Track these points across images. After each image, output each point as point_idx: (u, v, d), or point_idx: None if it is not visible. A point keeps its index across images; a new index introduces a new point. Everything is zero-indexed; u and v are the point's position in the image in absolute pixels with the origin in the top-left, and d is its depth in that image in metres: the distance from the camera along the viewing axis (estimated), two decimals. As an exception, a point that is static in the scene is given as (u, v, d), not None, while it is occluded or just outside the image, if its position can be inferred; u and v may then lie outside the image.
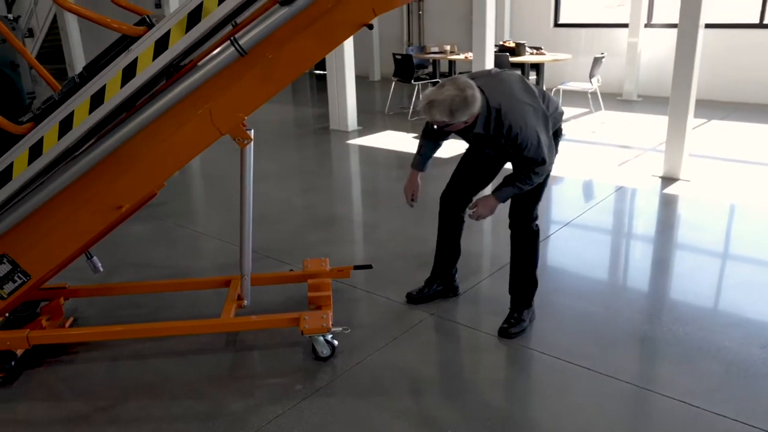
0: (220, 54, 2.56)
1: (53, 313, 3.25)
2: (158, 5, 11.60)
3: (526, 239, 3.22)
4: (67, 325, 3.29)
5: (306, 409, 2.68)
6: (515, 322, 3.24)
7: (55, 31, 15.50)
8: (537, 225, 3.21)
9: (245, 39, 2.51)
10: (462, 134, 3.04)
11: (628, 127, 8.02)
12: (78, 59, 13.78)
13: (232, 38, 2.53)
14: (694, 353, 3.02)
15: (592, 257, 4.25)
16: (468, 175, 3.34)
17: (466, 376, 2.97)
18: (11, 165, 2.62)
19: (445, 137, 3.28)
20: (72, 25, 13.63)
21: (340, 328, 3.05)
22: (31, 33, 16.08)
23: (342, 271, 3.56)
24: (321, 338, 3.00)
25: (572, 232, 4.66)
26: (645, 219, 5.13)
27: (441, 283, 3.60)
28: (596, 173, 6.08)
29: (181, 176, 6.54)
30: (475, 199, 3.16)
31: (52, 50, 15.40)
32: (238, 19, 2.56)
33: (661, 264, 4.16)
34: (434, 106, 2.74)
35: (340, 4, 2.56)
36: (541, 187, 3.10)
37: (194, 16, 2.43)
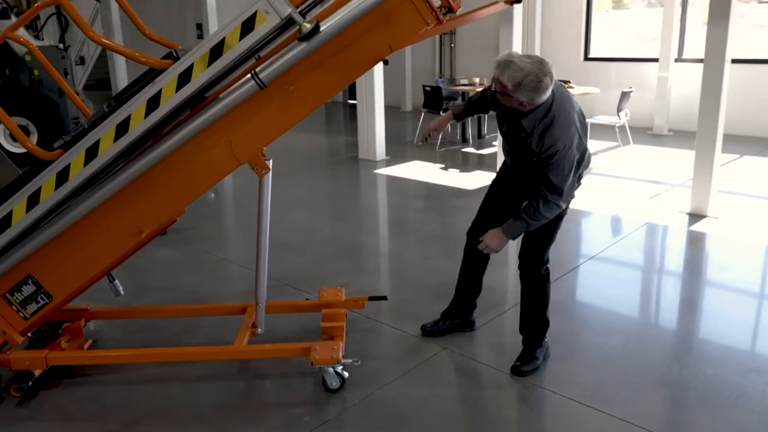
0: (241, 86, 2.63)
1: (74, 335, 3.33)
2: (200, 36, 12.01)
3: (535, 282, 3.18)
4: (85, 347, 3.37)
5: (313, 440, 2.68)
6: (528, 360, 3.20)
7: (104, 60, 16.07)
8: (547, 268, 3.17)
9: (265, 73, 2.59)
10: (505, 116, 2.98)
11: (657, 161, 7.93)
12: (123, 86, 14.23)
13: (252, 72, 2.60)
14: (715, 398, 2.94)
15: (615, 293, 4.18)
16: (494, 211, 3.28)
17: (476, 413, 2.94)
18: (39, 189, 2.72)
19: (494, 109, 3.16)
20: (118, 54, 14.09)
21: (351, 360, 3.05)
22: (82, 61, 16.68)
23: (357, 301, 3.58)
24: (331, 369, 3.00)
25: (597, 266, 4.60)
26: (671, 256, 5.05)
27: (458, 316, 3.58)
28: (623, 208, 6.01)
29: (210, 202, 6.68)
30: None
31: (102, 78, 15.92)
32: (261, 53, 2.66)
33: (687, 303, 4.07)
34: (508, 67, 2.69)
35: (357, 40, 2.62)
36: (553, 230, 3.06)
37: (216, 51, 2.51)
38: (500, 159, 6.92)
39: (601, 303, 4.07)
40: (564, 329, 3.59)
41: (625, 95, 7.85)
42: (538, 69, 2.68)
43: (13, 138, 8.20)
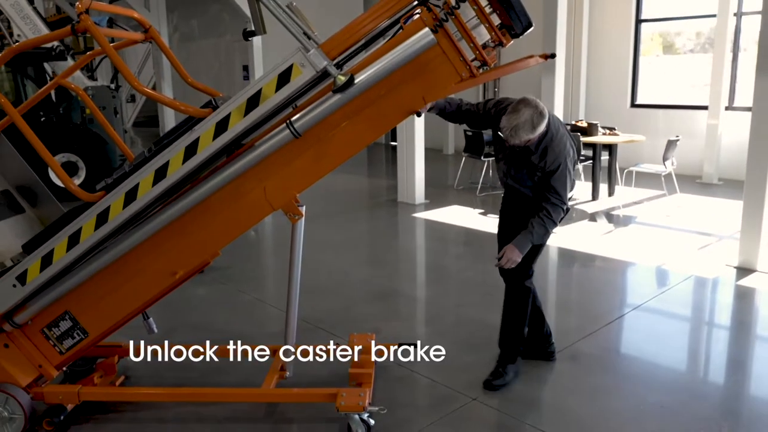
0: (277, 135, 2.71)
1: (107, 370, 3.40)
2: (246, 77, 12.42)
3: (519, 295, 3.48)
4: (117, 383, 3.43)
5: (335, 491, 2.64)
6: (499, 375, 3.45)
7: (154, 98, 16.76)
8: (531, 282, 3.50)
9: (300, 122, 2.66)
10: (502, 144, 3.30)
11: (705, 211, 7.71)
12: (170, 125, 14.82)
13: (288, 121, 2.68)
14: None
15: (659, 348, 4.04)
16: (508, 238, 3.40)
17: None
18: (80, 229, 2.82)
19: (483, 128, 3.52)
20: (167, 93, 14.70)
21: (377, 408, 3.01)
22: (133, 98, 17.46)
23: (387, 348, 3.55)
24: (356, 417, 2.97)
25: (641, 316, 4.47)
26: (718, 311, 4.86)
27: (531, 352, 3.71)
28: (668, 258, 5.83)
29: (248, 243, 6.79)
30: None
31: (152, 115, 16.60)
32: (298, 102, 2.74)
33: (735, 362, 3.90)
34: (520, 128, 3.04)
35: (391, 92, 2.67)
36: (539, 247, 3.39)
37: (253, 102, 2.59)
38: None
39: (643, 356, 3.94)
40: (603, 384, 3.48)
41: (671, 143, 7.70)
42: (530, 106, 3.06)
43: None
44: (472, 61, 2.65)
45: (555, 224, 3.24)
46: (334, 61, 2.62)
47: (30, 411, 2.99)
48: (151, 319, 3.46)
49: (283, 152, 2.75)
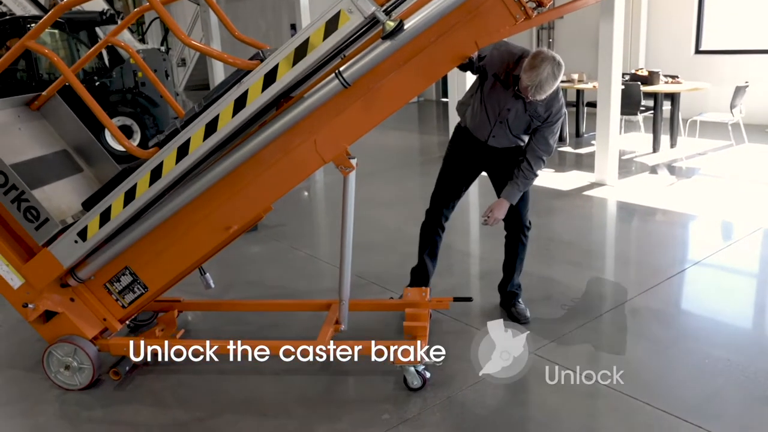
0: (326, 86, 2.66)
1: (167, 324, 3.49)
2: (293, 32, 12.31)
3: (521, 244, 3.67)
4: (178, 336, 3.52)
5: (391, 440, 2.66)
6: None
7: (204, 62, 16.89)
8: (529, 230, 3.67)
9: (349, 72, 2.59)
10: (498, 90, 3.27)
11: (776, 162, 7.31)
12: (218, 87, 14.92)
13: (337, 71, 2.62)
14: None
15: (722, 302, 3.89)
16: (457, 185, 3.65)
17: (558, 422, 2.81)
18: (135, 185, 2.86)
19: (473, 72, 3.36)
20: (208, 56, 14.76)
21: (433, 360, 3.00)
22: (183, 62, 17.65)
23: (441, 302, 3.52)
24: (412, 369, 2.97)
25: (702, 272, 4.30)
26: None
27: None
28: (735, 211, 5.56)
29: (301, 199, 6.83)
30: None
31: (203, 79, 16.76)
32: (346, 51, 2.67)
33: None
34: (544, 83, 2.99)
35: (442, 38, 2.58)
36: (528, 194, 3.51)
37: (301, 51, 2.53)
38: (598, 158, 6.63)
39: (706, 312, 3.80)
40: (666, 338, 3.38)
41: (739, 90, 7.28)
42: (548, 59, 2.99)
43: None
44: (527, 1, 2.52)
45: (536, 176, 3.34)
46: (383, 7, 2.53)
47: (98, 362, 3.11)
48: (208, 274, 3.54)
49: (332, 103, 2.70)
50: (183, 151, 2.73)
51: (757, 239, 4.93)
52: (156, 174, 2.78)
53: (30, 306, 3.03)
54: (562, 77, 3.07)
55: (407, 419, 2.79)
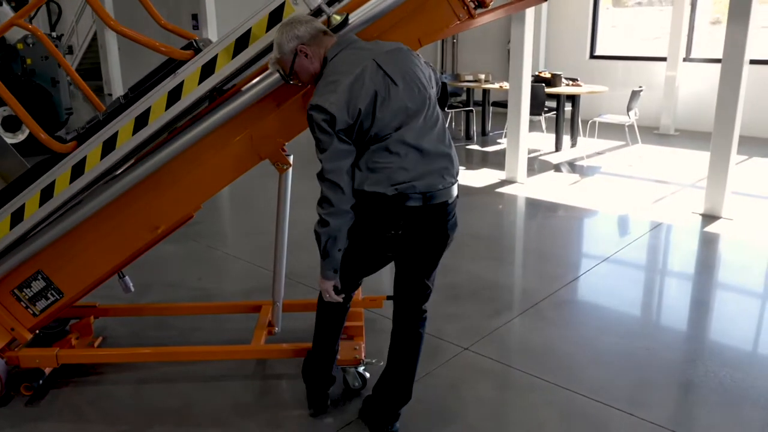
0: (264, 80, 2.55)
1: (83, 332, 3.24)
2: (196, 26, 11.79)
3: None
4: (96, 344, 3.27)
5: (335, 444, 2.60)
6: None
7: (93, 49, 15.91)
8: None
9: (290, 65, 2.49)
10: None
11: (665, 161, 7.86)
12: (115, 77, 14.09)
13: (277, 64, 2.51)
14: (736, 400, 2.89)
15: (629, 296, 4.12)
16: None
17: (496, 419, 2.86)
18: (53, 182, 2.62)
19: None
20: (111, 44, 13.94)
21: (372, 360, 2.97)
22: (71, 50, 16.53)
23: (374, 300, 3.49)
24: (353, 370, 2.92)
25: (609, 268, 4.53)
26: (685, 258, 4.98)
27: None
28: (633, 208, 5.93)
29: (215, 198, 6.57)
30: None
31: (90, 67, 15.80)
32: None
33: (702, 305, 4.02)
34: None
35: (386, 33, 2.53)
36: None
37: (242, 42, 2.42)
38: (508, 157, 6.86)
39: (616, 304, 4.01)
40: (586, 328, 3.52)
41: (635, 94, 7.77)
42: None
43: (5, 128, 8.12)
44: (470, 0, 2.54)
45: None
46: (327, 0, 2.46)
47: (5, 376, 2.83)
48: (127, 277, 3.30)
49: (271, 98, 2.59)
50: (109, 145, 2.53)
51: (658, 233, 5.27)
52: (78, 170, 2.57)
53: (-76, 317, 2.71)
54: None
55: (351, 422, 2.74)
